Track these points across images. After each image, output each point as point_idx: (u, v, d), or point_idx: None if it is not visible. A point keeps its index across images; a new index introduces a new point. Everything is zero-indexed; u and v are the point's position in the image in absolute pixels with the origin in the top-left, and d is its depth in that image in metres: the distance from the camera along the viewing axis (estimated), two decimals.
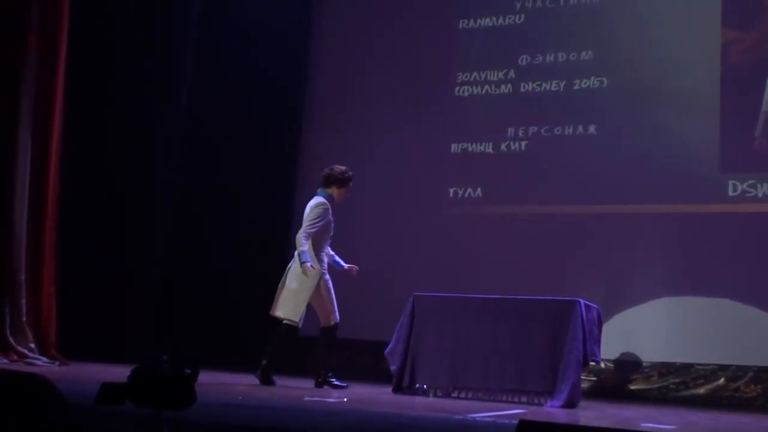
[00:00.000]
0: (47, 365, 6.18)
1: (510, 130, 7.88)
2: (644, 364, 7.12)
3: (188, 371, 2.47)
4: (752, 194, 6.95)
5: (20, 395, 2.48)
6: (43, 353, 6.38)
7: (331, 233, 6.07)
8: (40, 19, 6.67)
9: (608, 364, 7.09)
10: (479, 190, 7.93)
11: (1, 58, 6.53)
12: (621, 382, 7.16)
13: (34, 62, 6.63)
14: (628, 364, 7.16)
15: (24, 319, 6.37)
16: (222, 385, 5.43)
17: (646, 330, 7.11)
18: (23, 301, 6.39)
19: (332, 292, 6.04)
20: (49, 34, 6.70)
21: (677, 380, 7.00)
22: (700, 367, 6.95)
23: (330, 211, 6.01)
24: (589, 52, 7.69)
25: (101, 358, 6.85)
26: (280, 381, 6.22)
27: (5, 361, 6.06)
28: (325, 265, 6.05)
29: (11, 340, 6.27)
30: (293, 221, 8.50)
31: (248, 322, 8.21)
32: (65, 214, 6.92)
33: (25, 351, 6.28)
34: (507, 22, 8.08)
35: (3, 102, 6.52)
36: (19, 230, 6.46)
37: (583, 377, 5.90)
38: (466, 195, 7.97)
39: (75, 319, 6.96)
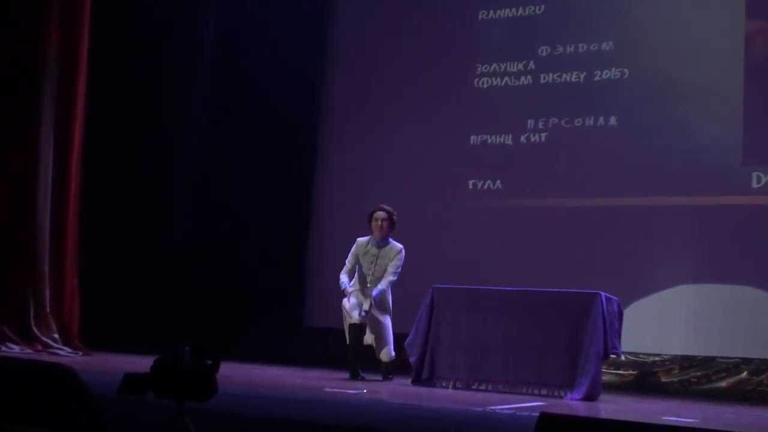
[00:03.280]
0: (70, 355, 6.24)
1: (530, 122, 7.85)
2: (665, 357, 7.09)
3: (210, 362, 2.48)
4: None
5: (45, 385, 2.51)
6: (66, 343, 6.44)
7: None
8: (61, 13, 6.71)
9: (629, 356, 7.05)
10: (499, 182, 7.91)
11: (23, 52, 6.58)
12: (642, 375, 7.13)
13: (56, 55, 6.68)
14: (649, 357, 7.12)
15: (47, 309, 6.44)
16: (244, 376, 5.46)
17: (668, 323, 7.07)
18: (47, 292, 6.46)
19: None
20: (70, 27, 6.74)
21: (699, 373, 6.95)
22: (722, 360, 6.90)
23: None
24: (610, 43, 7.63)
25: (123, 348, 6.91)
26: (305, 372, 6.26)
27: (30, 351, 6.13)
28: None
29: (35, 330, 6.34)
30: (312, 212, 8.54)
31: (269, 312, 8.26)
32: (87, 207, 6.98)
33: (49, 341, 6.35)
34: (527, 13, 8.04)
35: (25, 95, 6.57)
36: (42, 222, 6.52)
37: (603, 370, 5.88)
38: (486, 187, 7.95)
39: (97, 310, 7.03)
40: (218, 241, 8.53)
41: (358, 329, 6.09)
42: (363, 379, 6.02)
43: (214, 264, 8.48)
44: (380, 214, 6.26)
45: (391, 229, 6.29)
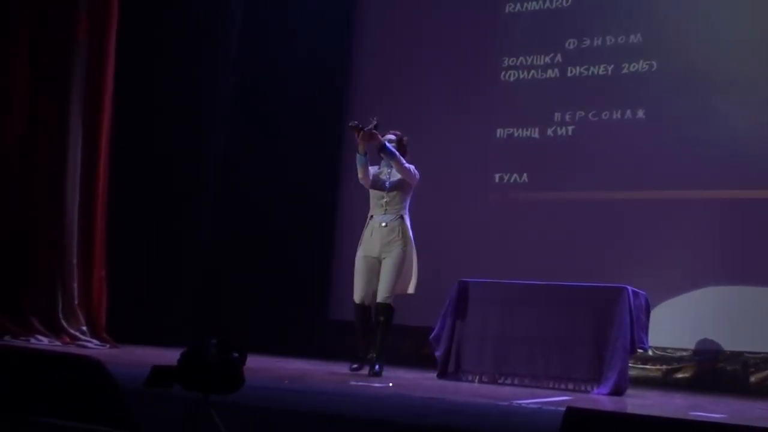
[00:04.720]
0: (98, 348, 6.30)
1: (557, 115, 7.80)
2: (693, 351, 7.03)
3: (236, 355, 2.49)
4: None
5: (73, 377, 2.53)
6: (94, 336, 6.50)
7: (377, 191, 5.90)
8: (90, 7, 6.76)
9: (656, 351, 7.00)
10: (525, 175, 7.87)
11: (52, 46, 6.64)
12: (669, 369, 7.07)
13: (84, 49, 6.73)
14: (677, 352, 7.06)
15: (76, 302, 6.50)
16: (269, 369, 5.48)
17: (695, 317, 7.00)
18: (75, 284, 6.52)
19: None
20: (98, 21, 6.79)
21: (728, 369, 6.89)
22: (750, 356, 6.83)
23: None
24: (638, 35, 7.56)
25: (150, 341, 6.96)
26: (330, 365, 6.27)
27: (58, 343, 6.20)
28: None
29: (64, 322, 6.40)
30: (338, 205, 8.54)
31: (295, 304, 8.28)
32: (115, 199, 7.03)
33: (77, 333, 6.41)
34: (554, 6, 7.98)
35: (54, 88, 6.63)
36: (71, 215, 6.58)
37: (630, 365, 5.84)
38: (512, 181, 7.91)
39: (124, 302, 7.09)
40: (245, 233, 8.56)
41: (362, 310, 5.80)
42: (354, 369, 5.76)
43: (240, 256, 8.51)
44: (388, 137, 5.87)
45: (402, 154, 5.82)
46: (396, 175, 5.81)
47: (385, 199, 5.83)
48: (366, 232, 5.87)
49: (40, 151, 6.57)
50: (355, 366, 5.82)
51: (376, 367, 5.62)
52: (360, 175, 5.82)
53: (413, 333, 7.37)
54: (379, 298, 5.72)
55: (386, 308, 5.71)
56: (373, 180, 5.86)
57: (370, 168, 5.85)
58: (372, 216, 5.87)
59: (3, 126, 6.49)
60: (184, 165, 8.25)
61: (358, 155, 5.76)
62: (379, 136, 5.72)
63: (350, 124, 5.78)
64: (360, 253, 5.87)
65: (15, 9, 6.54)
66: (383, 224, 5.80)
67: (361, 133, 5.63)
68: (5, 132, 6.49)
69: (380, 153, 5.72)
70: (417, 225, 7.94)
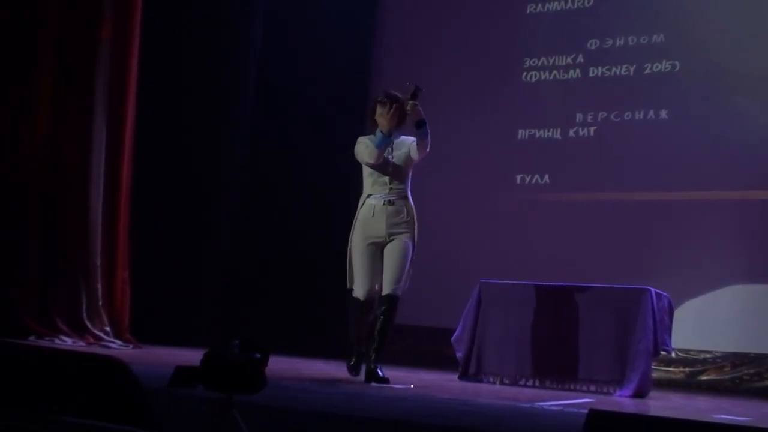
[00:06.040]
0: (121, 348, 6.33)
1: (578, 116, 7.77)
2: (717, 354, 6.97)
3: (258, 355, 2.50)
4: None
5: (97, 377, 2.55)
6: (117, 336, 6.54)
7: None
8: (113, 7, 6.81)
9: (679, 353, 6.95)
10: (547, 176, 7.84)
11: (76, 47, 6.69)
12: (692, 372, 7.02)
13: (107, 51, 6.78)
14: (700, 354, 7.01)
15: (99, 303, 6.55)
16: (291, 369, 5.50)
17: (719, 319, 6.95)
18: (99, 285, 6.57)
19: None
20: (121, 23, 6.84)
21: (751, 371, 6.82)
22: None
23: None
24: (661, 35, 7.51)
25: (173, 341, 6.99)
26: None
27: (82, 343, 6.24)
28: None
29: (87, 323, 6.45)
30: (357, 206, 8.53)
31: (317, 305, 8.29)
32: (138, 200, 7.08)
33: (101, 334, 6.45)
34: (575, 6, 7.95)
35: (77, 90, 6.69)
36: (95, 217, 6.63)
37: (653, 367, 5.81)
38: (534, 182, 7.89)
39: (148, 303, 7.13)
40: (267, 235, 8.59)
41: (369, 308, 5.06)
42: (353, 373, 5.13)
43: (263, 258, 8.54)
44: (386, 99, 5.09)
45: (402, 120, 5.09)
46: (400, 149, 5.13)
47: (389, 177, 5.11)
48: (364, 213, 5.12)
49: (65, 152, 6.62)
50: (353, 362, 5.17)
51: (379, 370, 4.96)
52: (376, 158, 5.04)
53: (435, 334, 7.36)
54: (388, 289, 5.00)
55: (396, 301, 5.02)
56: None
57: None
58: (370, 195, 5.14)
59: (29, 127, 6.56)
60: (206, 166, 8.29)
61: (381, 136, 5.00)
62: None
63: (409, 94, 4.97)
64: (358, 238, 5.10)
65: (41, 11, 6.60)
66: (388, 203, 5.08)
67: (410, 104, 4.96)
68: (31, 133, 6.55)
69: (417, 128, 5.01)
70: (438, 225, 7.95)
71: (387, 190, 5.12)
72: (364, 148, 5.12)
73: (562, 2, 8.00)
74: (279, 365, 5.35)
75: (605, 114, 7.65)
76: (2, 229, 6.45)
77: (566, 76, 7.89)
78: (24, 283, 6.40)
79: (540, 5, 8.10)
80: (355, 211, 5.17)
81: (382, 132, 5.04)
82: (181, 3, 8.15)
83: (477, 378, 5.81)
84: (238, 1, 8.61)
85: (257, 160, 8.71)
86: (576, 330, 5.58)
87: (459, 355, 5.95)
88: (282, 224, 8.57)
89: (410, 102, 5.00)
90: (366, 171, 5.20)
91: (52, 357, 2.81)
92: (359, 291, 5.08)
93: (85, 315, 6.46)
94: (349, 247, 5.21)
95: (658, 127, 7.41)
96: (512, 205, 7.91)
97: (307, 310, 8.28)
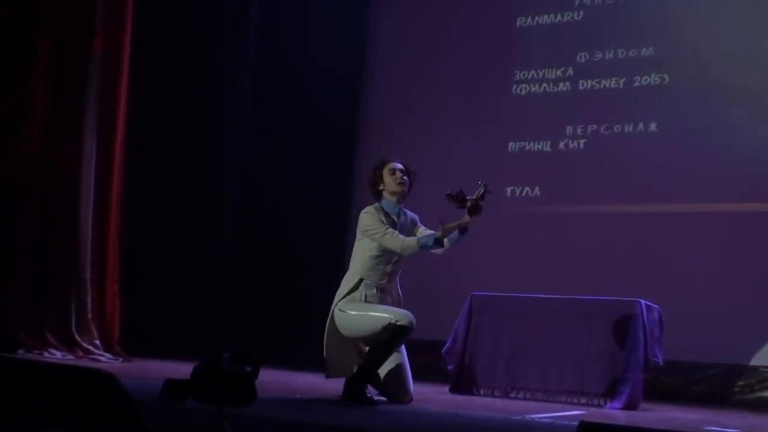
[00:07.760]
0: (111, 361, 6.31)
1: (569, 129, 7.80)
2: (708, 365, 6.98)
3: (249, 368, 2.50)
4: None
5: (87, 391, 2.54)
6: (107, 349, 6.52)
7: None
8: (105, 21, 6.81)
9: (670, 365, 6.95)
10: (537, 189, 7.86)
11: (68, 60, 6.69)
12: (683, 384, 7.02)
13: (99, 63, 6.78)
14: (691, 366, 7.02)
15: (89, 316, 6.52)
16: (282, 382, 5.48)
17: (710, 331, 6.95)
18: (89, 298, 6.54)
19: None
20: (113, 35, 6.84)
21: (742, 383, 6.84)
22: (765, 370, 6.78)
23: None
24: (650, 48, 7.55)
25: (163, 354, 6.97)
26: (341, 380, 6.25)
27: (71, 357, 6.21)
28: None
29: (77, 336, 6.42)
30: (352, 218, 8.54)
31: (309, 320, 8.26)
32: (128, 214, 7.06)
33: (90, 347, 6.42)
34: (565, 19, 8.00)
35: (69, 103, 6.68)
36: (84, 230, 6.61)
37: (643, 378, 5.81)
38: (524, 194, 7.91)
39: (138, 316, 7.10)
40: (260, 249, 8.57)
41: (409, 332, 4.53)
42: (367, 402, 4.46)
43: (254, 271, 8.52)
44: (399, 165, 4.68)
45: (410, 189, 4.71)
46: (405, 225, 4.79)
47: (392, 266, 4.68)
48: (362, 295, 4.60)
49: (55, 164, 6.61)
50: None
51: (368, 390, 4.47)
52: (409, 254, 4.58)
53: (426, 347, 7.33)
54: (408, 397, 4.67)
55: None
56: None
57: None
58: (362, 280, 4.62)
59: (19, 139, 6.54)
60: (198, 180, 8.29)
61: (434, 240, 4.57)
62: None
63: (479, 194, 4.56)
64: (369, 309, 4.49)
65: (35, 24, 6.60)
66: (381, 290, 4.63)
67: (471, 204, 4.53)
68: (22, 144, 6.54)
69: (461, 232, 4.66)
70: None
71: (386, 279, 4.66)
72: (392, 236, 4.50)
73: (552, 15, 8.04)
74: (270, 377, 5.33)
75: (595, 126, 7.68)
76: None
77: (556, 89, 7.92)
78: (13, 296, 6.37)
79: (530, 18, 8.14)
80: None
81: (435, 236, 4.58)
82: (174, 15, 8.16)
83: (468, 390, 5.80)
84: (232, 12, 8.63)
85: (249, 174, 8.71)
86: (566, 342, 5.59)
87: (450, 367, 5.94)
88: (274, 238, 8.56)
89: (479, 202, 4.56)
90: (369, 250, 4.61)
91: (41, 370, 2.79)
92: (404, 320, 4.46)
93: (74, 328, 6.43)
94: (332, 328, 4.76)
95: (647, 140, 7.44)
96: (503, 218, 7.92)
97: (298, 323, 8.25)
